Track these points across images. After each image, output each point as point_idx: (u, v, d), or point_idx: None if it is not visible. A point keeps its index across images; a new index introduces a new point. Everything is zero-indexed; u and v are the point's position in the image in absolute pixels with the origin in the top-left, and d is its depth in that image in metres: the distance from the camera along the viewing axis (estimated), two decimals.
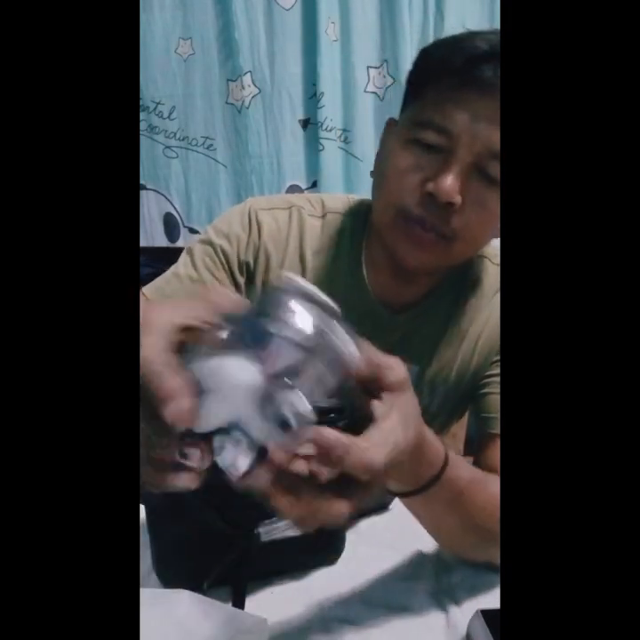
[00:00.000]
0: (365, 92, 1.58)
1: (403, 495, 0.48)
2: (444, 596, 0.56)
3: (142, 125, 1.63)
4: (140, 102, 1.60)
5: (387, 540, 0.63)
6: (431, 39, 1.52)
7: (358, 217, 0.69)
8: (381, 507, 0.68)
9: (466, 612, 0.51)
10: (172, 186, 1.68)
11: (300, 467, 0.30)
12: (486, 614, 0.48)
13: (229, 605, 0.50)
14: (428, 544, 0.57)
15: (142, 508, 0.56)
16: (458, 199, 0.54)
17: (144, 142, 1.65)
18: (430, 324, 0.68)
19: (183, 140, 1.65)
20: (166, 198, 1.69)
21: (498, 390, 0.67)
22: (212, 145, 1.64)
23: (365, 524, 0.66)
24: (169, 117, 1.63)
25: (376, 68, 1.57)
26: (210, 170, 1.65)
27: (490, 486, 0.52)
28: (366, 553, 0.62)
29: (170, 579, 0.57)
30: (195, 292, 0.66)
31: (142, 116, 1.63)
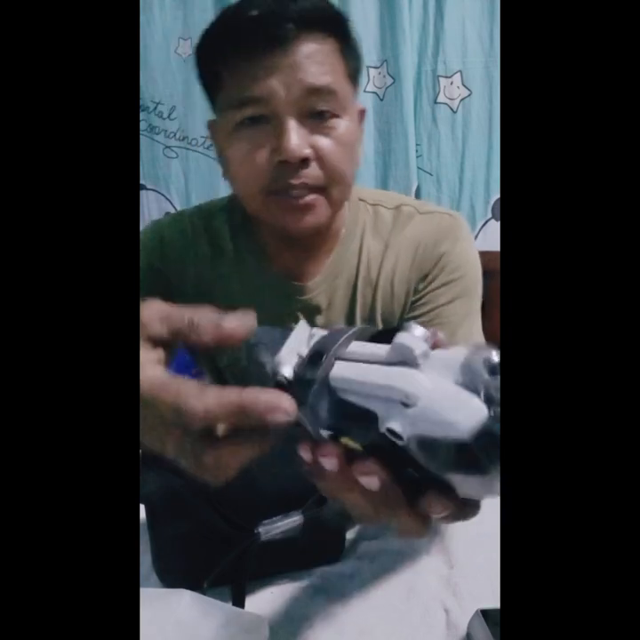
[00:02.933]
0: (365, 91, 1.57)
1: None
2: (444, 596, 0.56)
3: (142, 125, 1.63)
4: (140, 102, 1.60)
5: (387, 539, 0.63)
6: (431, 39, 1.53)
7: (230, 212, 0.71)
8: None
9: (466, 611, 0.51)
10: (172, 186, 1.68)
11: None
12: (486, 614, 0.48)
13: (229, 605, 0.50)
14: (428, 543, 0.57)
15: (142, 507, 0.56)
16: (309, 151, 0.54)
17: (144, 142, 1.65)
18: (343, 279, 0.68)
19: (183, 140, 1.65)
20: (166, 198, 1.69)
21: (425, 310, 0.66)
22: (211, 145, 1.64)
23: None
24: (169, 117, 1.63)
25: (376, 68, 1.57)
26: (210, 170, 1.65)
27: None
28: (366, 553, 0.62)
29: (170, 579, 0.57)
30: None
31: (142, 116, 1.63)
